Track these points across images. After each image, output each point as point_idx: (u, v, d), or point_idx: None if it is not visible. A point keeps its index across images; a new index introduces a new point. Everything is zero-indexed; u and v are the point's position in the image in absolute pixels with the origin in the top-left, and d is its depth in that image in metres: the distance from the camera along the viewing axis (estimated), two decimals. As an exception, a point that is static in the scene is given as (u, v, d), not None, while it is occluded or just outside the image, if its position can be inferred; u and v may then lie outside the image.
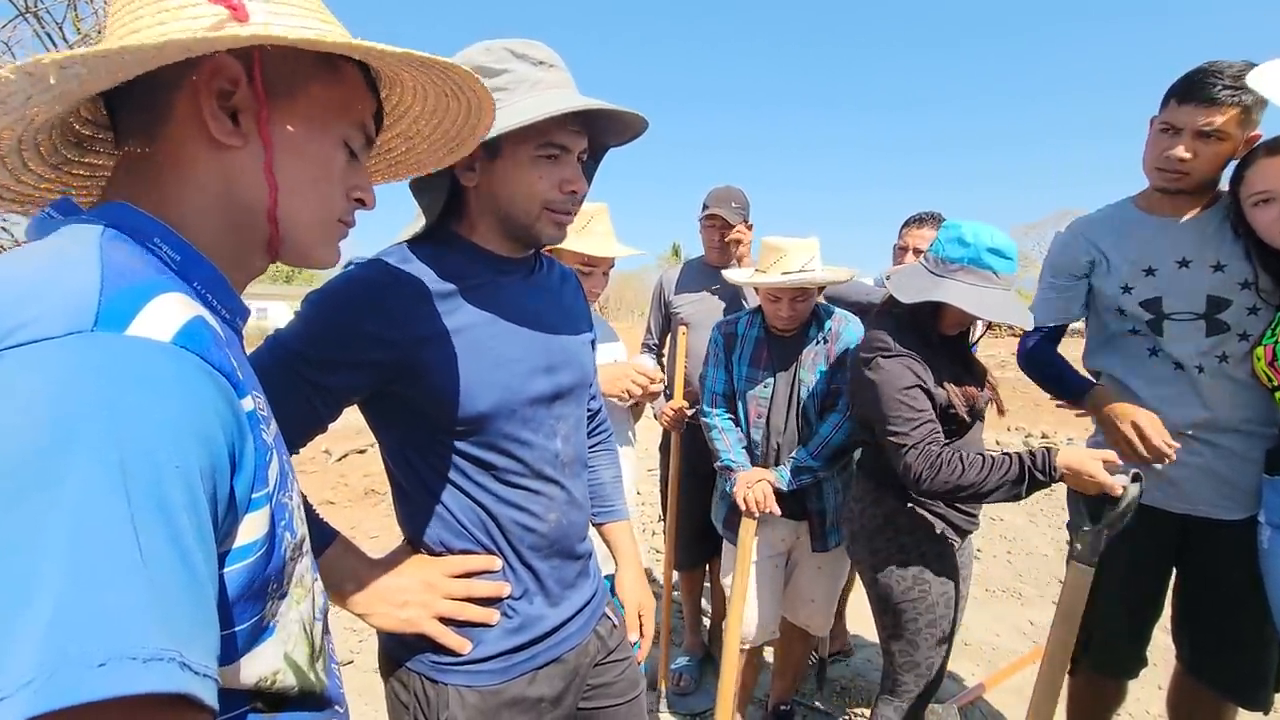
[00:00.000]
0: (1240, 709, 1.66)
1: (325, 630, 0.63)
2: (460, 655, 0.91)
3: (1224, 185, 1.58)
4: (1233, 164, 1.51)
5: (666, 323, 2.73)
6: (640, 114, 0.95)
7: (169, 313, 0.43)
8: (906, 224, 2.55)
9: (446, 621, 0.90)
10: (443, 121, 0.75)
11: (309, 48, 0.52)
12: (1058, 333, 1.85)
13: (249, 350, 0.80)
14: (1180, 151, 1.49)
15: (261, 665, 0.52)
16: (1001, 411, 1.76)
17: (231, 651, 0.49)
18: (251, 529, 0.48)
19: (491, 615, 0.93)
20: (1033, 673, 2.69)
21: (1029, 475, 1.40)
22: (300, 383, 0.84)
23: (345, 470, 6.00)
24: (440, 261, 0.93)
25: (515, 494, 0.96)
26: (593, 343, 1.17)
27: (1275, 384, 1.42)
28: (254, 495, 0.48)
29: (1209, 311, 1.54)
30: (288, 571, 0.54)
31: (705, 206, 2.57)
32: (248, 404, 0.48)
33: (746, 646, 2.05)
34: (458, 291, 0.92)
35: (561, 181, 0.92)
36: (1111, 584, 1.70)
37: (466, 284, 0.93)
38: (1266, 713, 1.63)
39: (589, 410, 1.28)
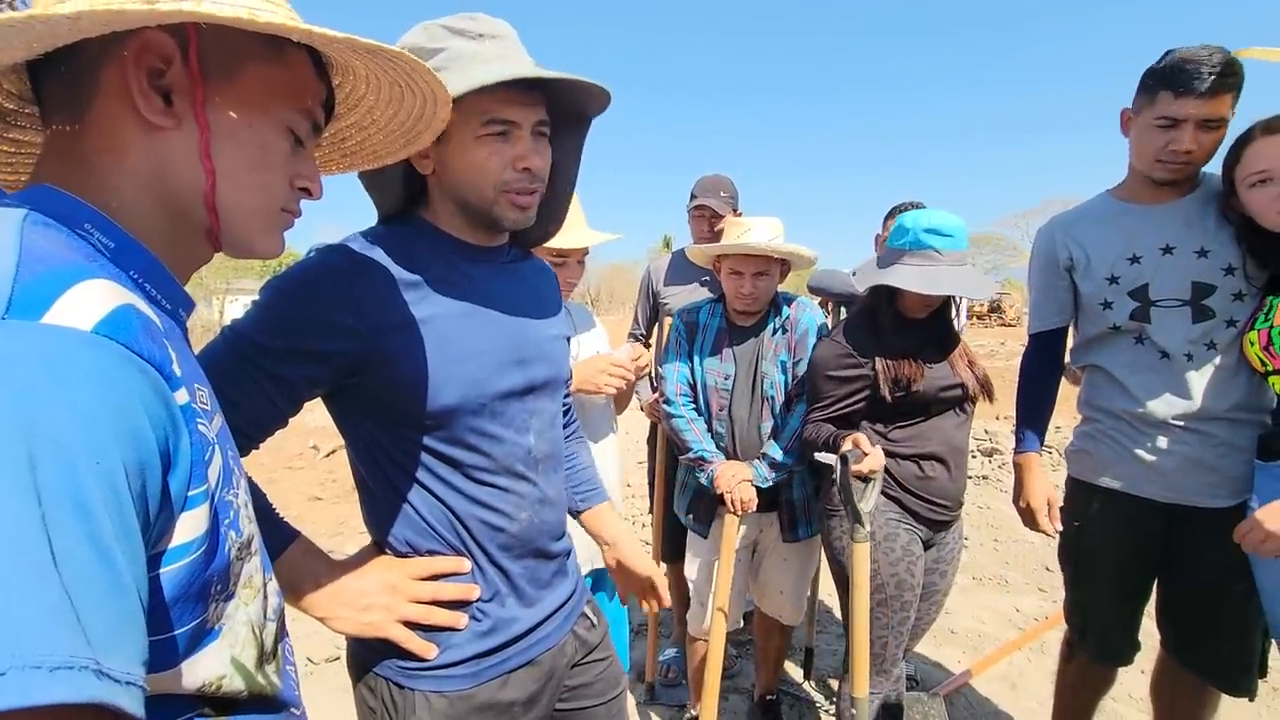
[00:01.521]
0: (1223, 694, 1.66)
1: (281, 633, 0.61)
2: (427, 660, 0.88)
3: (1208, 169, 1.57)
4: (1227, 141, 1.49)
5: (654, 314, 2.71)
6: (579, 77, 0.88)
7: (92, 300, 0.40)
8: (889, 214, 2.55)
9: (412, 626, 0.88)
10: (399, 112, 0.72)
11: (241, 26, 0.49)
12: (1055, 337, 1.81)
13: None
14: (1186, 144, 1.47)
15: (206, 669, 0.49)
16: (991, 399, 1.76)
17: (172, 656, 0.46)
18: (189, 527, 0.46)
19: (459, 619, 0.90)
20: (1023, 660, 2.75)
21: (827, 446, 1.62)
22: (258, 375, 0.80)
23: (334, 466, 5.97)
24: (408, 248, 0.90)
25: (484, 492, 0.92)
26: (568, 339, 1.14)
27: (1270, 369, 1.41)
28: (191, 492, 0.45)
29: (1194, 298, 1.54)
30: (234, 572, 0.52)
31: (693, 196, 2.56)
32: (182, 396, 0.46)
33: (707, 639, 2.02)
34: (425, 280, 0.88)
35: (514, 159, 0.88)
36: (1103, 573, 1.71)
37: (434, 272, 0.90)
38: (1251, 699, 1.63)
39: (564, 404, 1.25)
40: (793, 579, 2.07)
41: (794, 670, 2.62)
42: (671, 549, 2.55)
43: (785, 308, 1.97)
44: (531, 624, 0.97)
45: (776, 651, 2.24)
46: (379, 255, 0.87)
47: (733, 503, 1.83)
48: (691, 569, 2.11)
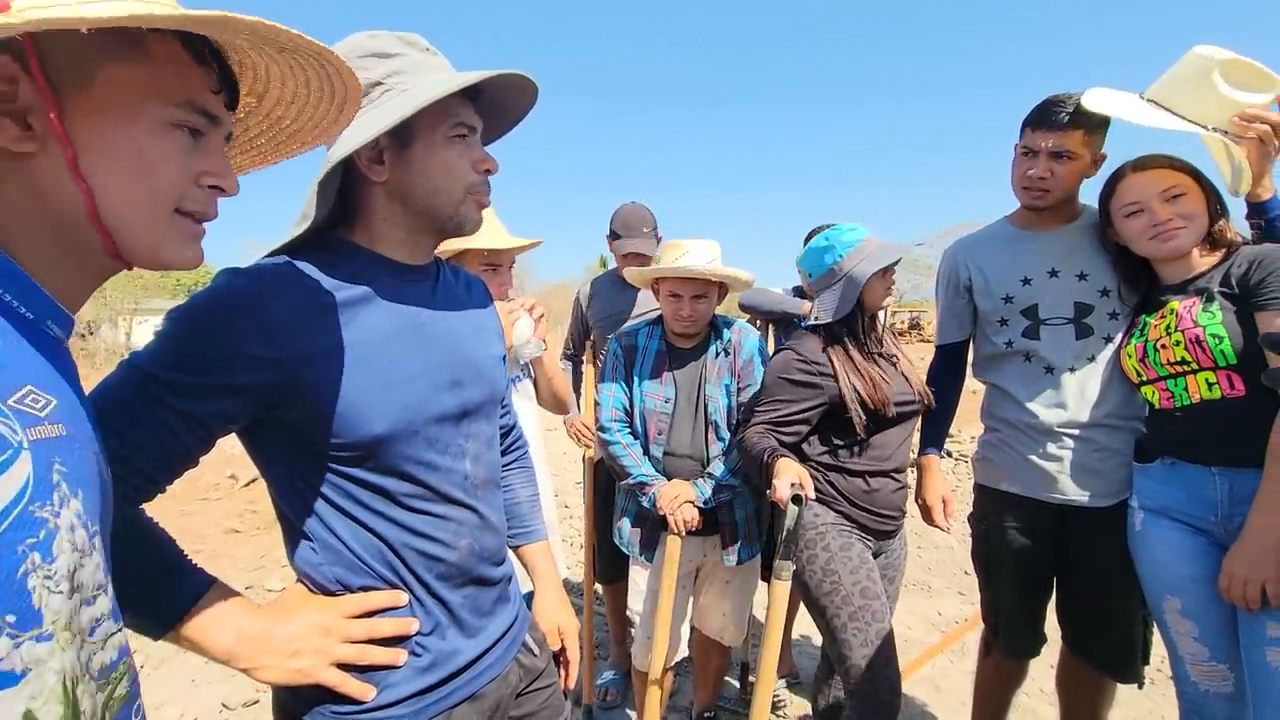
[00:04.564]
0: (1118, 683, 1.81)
1: (115, 706, 0.52)
2: (364, 703, 0.85)
3: (1090, 198, 1.75)
4: (1097, 179, 1.68)
5: (586, 334, 2.71)
6: (533, 79, 0.92)
7: None
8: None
9: (347, 668, 0.84)
10: (320, 86, 0.68)
11: (68, 27, 0.44)
12: (958, 349, 1.98)
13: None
14: (1040, 170, 1.69)
15: None
16: (929, 409, 1.87)
17: None
18: None
19: (398, 656, 0.86)
20: (945, 662, 2.88)
21: (764, 468, 1.58)
22: (163, 412, 0.74)
23: (254, 495, 5.64)
24: (329, 269, 0.85)
25: (420, 521, 0.89)
26: (504, 356, 1.13)
27: (1143, 379, 1.56)
28: None
29: (1077, 316, 1.71)
30: (39, 603, 0.43)
31: (615, 235, 2.56)
32: None
33: (652, 670, 2.00)
34: (349, 302, 0.84)
35: (476, 161, 0.90)
36: (1009, 573, 1.83)
37: (358, 293, 0.86)
38: (1140, 685, 1.78)
39: (503, 425, 1.24)
40: (734, 600, 2.07)
41: (731, 687, 2.66)
42: (609, 571, 2.56)
43: (726, 331, 1.98)
44: (474, 655, 0.94)
45: (716, 671, 2.24)
46: (296, 277, 0.82)
47: (676, 523, 1.84)
48: (637, 600, 2.06)
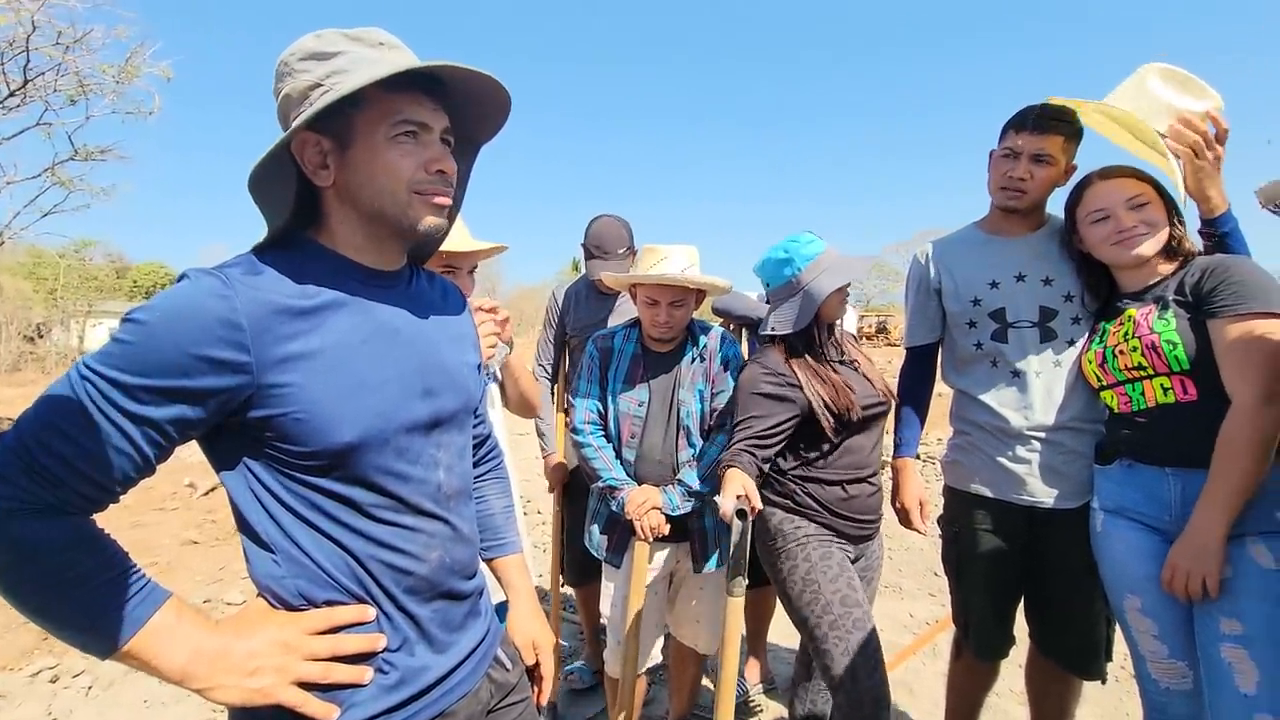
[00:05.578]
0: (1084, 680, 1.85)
1: None
2: None
3: (1055, 210, 1.80)
4: (1064, 189, 1.73)
5: (562, 347, 2.66)
6: (494, 75, 0.87)
7: None
8: None
9: (310, 687, 0.80)
10: None
11: None
12: (927, 351, 2.01)
13: None
14: (1020, 172, 1.73)
15: None
16: (898, 415, 1.89)
17: None
18: None
19: (363, 674, 0.83)
20: (918, 664, 2.91)
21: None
22: (118, 417, 0.71)
23: (213, 505, 5.47)
24: (297, 272, 0.83)
25: (389, 533, 0.86)
26: (479, 365, 1.10)
27: (1102, 383, 1.60)
28: None
29: (1042, 320, 1.75)
30: None
31: (590, 253, 2.49)
32: None
33: (624, 677, 1.99)
34: (318, 306, 0.82)
35: (426, 161, 0.86)
36: (979, 574, 1.86)
37: (328, 297, 0.83)
38: (1104, 682, 1.82)
39: (478, 435, 1.21)
40: (708, 608, 2.06)
41: (707, 694, 2.65)
42: (580, 574, 2.55)
43: (703, 336, 1.98)
44: (444, 671, 0.91)
45: (691, 679, 2.24)
46: (264, 279, 0.80)
47: (642, 529, 1.83)
48: (606, 605, 2.05)
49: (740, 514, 1.43)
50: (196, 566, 4.21)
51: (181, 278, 0.77)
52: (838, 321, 1.83)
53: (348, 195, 0.87)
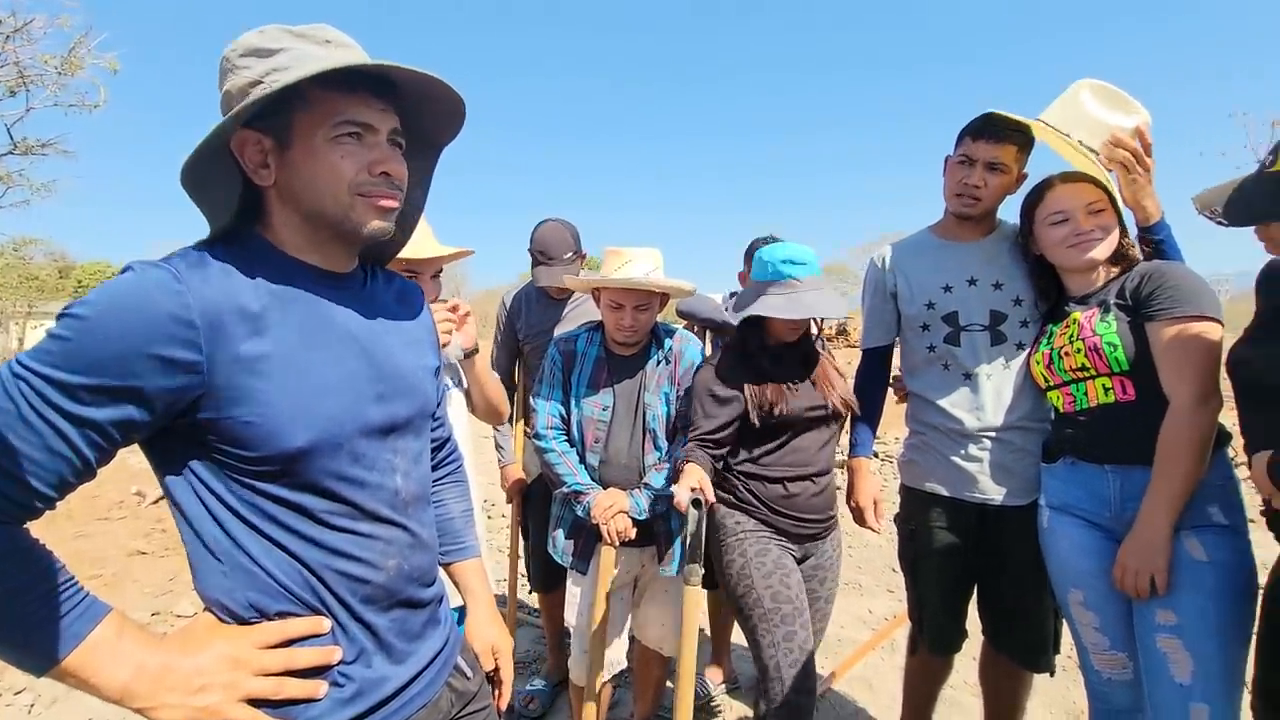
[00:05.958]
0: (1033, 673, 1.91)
1: None
2: None
3: (1004, 217, 1.87)
4: (1015, 197, 1.79)
5: (516, 353, 2.61)
6: (439, 77, 0.85)
7: None
8: (748, 251, 2.71)
9: (260, 704, 0.77)
10: None
11: None
12: (883, 353, 2.05)
13: None
14: (975, 179, 1.78)
15: None
16: (854, 415, 1.93)
17: None
18: None
19: (317, 688, 0.81)
20: (877, 659, 2.96)
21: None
22: (55, 417, 0.67)
23: (162, 514, 5.27)
24: (247, 269, 0.80)
25: (345, 541, 0.84)
26: (438, 369, 1.09)
27: (1049, 384, 1.66)
28: None
29: (992, 323, 1.81)
30: None
31: (536, 259, 2.45)
32: None
33: (589, 683, 1.99)
34: (269, 306, 0.79)
35: (370, 163, 0.83)
36: (930, 571, 1.91)
37: (280, 298, 0.81)
38: (1052, 674, 1.89)
39: (436, 439, 1.19)
40: (673, 610, 2.06)
41: (671, 696, 2.65)
42: (546, 580, 2.52)
43: (667, 339, 1.98)
44: (402, 682, 0.89)
45: (656, 681, 2.24)
46: (214, 275, 0.76)
47: (609, 533, 1.82)
48: (571, 612, 2.03)
49: (695, 503, 1.48)
50: (144, 578, 4.05)
51: (126, 270, 0.74)
52: (816, 329, 1.88)
53: (289, 196, 0.85)
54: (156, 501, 5.51)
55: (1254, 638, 1.39)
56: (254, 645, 0.78)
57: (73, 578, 0.72)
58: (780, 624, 1.67)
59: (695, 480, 1.54)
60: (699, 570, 1.50)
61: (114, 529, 4.99)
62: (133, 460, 5.79)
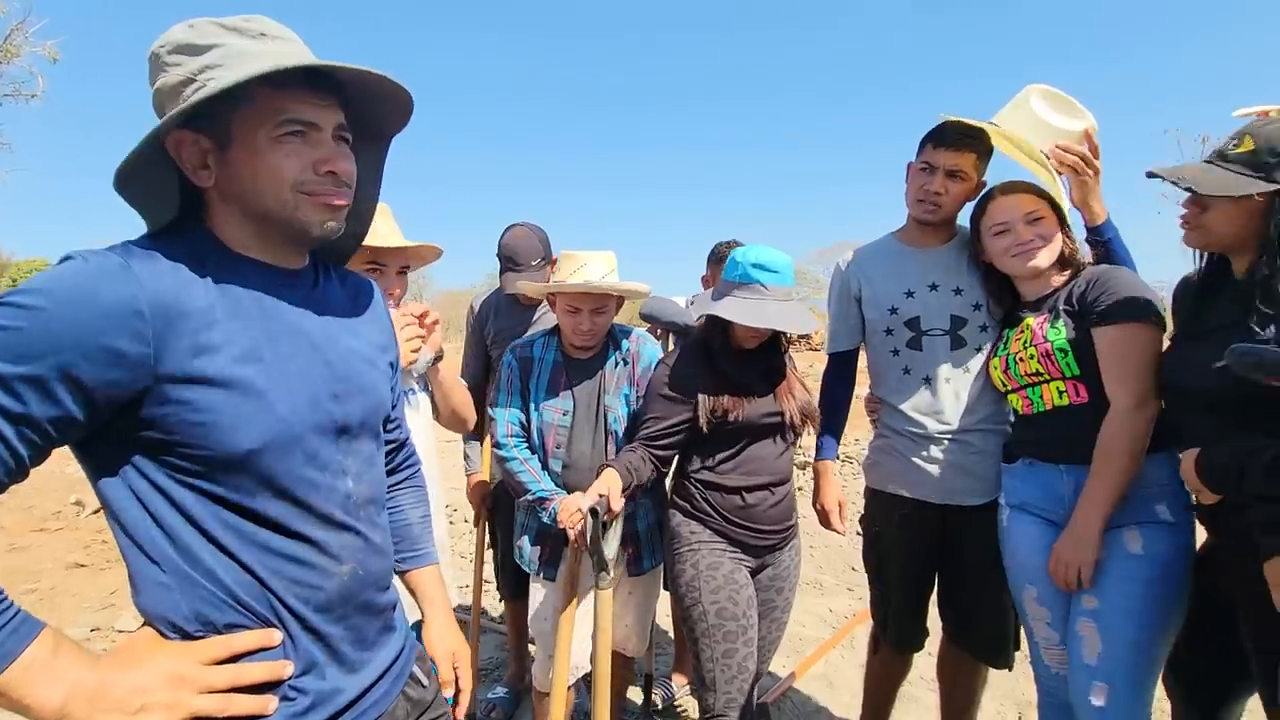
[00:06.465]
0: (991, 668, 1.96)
1: None
2: None
3: (964, 223, 1.90)
4: (971, 203, 1.83)
5: (486, 359, 2.56)
6: (386, 74, 0.83)
7: None
8: (711, 255, 2.73)
9: None
10: None
11: None
12: (848, 357, 2.09)
13: None
14: (936, 186, 1.81)
15: None
16: (815, 425, 1.92)
17: None
18: None
19: (267, 704, 0.78)
20: (837, 657, 3.01)
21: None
22: None
23: (104, 525, 5.02)
24: (195, 262, 0.77)
25: (296, 547, 0.81)
26: (393, 364, 1.05)
27: (1008, 388, 1.70)
28: None
29: (953, 328, 1.85)
30: None
31: (504, 266, 2.43)
32: None
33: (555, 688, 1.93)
34: (216, 302, 0.77)
35: (315, 162, 0.81)
36: (893, 571, 1.95)
37: (228, 292, 0.78)
38: (1011, 669, 1.94)
39: (393, 440, 1.16)
40: (638, 611, 2.06)
41: (634, 696, 2.65)
42: (514, 588, 2.49)
43: (625, 340, 1.97)
44: (357, 692, 0.87)
45: (619, 681, 2.23)
46: (162, 266, 0.74)
47: (577, 537, 1.81)
48: (538, 618, 2.00)
49: (593, 512, 1.50)
50: (83, 592, 3.86)
51: (67, 258, 0.70)
52: (784, 338, 1.86)
53: (231, 196, 0.82)
54: (96, 511, 5.25)
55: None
56: (199, 661, 0.75)
57: (2, 593, 0.68)
58: (721, 640, 1.67)
59: (605, 487, 1.55)
60: (607, 576, 1.55)
61: (50, 541, 4.74)
62: (71, 468, 5.52)
